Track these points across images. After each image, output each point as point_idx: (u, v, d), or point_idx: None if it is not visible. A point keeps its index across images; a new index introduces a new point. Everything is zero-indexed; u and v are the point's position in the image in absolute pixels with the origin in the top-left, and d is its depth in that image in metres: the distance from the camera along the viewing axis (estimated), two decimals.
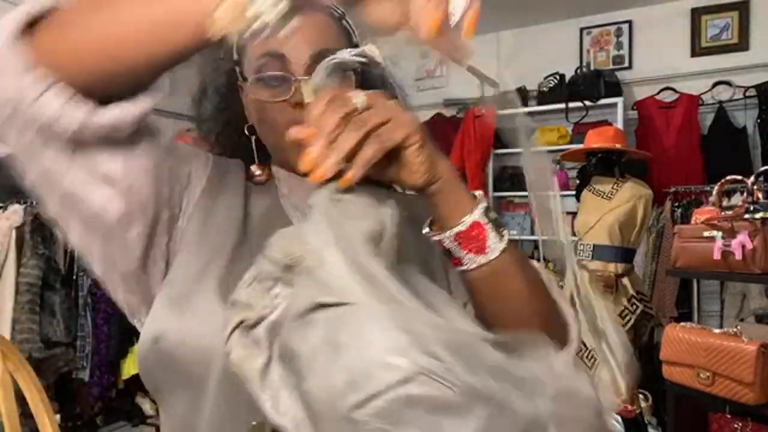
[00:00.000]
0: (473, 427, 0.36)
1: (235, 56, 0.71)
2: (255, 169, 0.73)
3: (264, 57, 0.66)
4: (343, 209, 0.47)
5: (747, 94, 3.37)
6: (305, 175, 0.65)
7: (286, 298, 0.45)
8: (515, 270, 0.57)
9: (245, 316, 0.45)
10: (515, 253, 0.57)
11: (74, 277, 3.10)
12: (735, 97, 3.42)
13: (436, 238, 0.56)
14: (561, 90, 3.75)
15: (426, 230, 0.57)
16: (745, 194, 2.08)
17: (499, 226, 0.56)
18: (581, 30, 3.95)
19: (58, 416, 2.88)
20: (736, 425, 1.91)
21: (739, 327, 1.83)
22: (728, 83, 3.46)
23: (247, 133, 0.72)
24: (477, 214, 0.54)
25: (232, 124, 0.74)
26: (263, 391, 0.43)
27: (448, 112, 4.32)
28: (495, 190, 3.99)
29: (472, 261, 0.55)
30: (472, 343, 0.41)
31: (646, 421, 2.76)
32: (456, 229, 0.54)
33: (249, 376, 0.44)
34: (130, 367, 3.24)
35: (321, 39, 0.67)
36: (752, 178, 2.01)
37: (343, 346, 0.39)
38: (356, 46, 0.73)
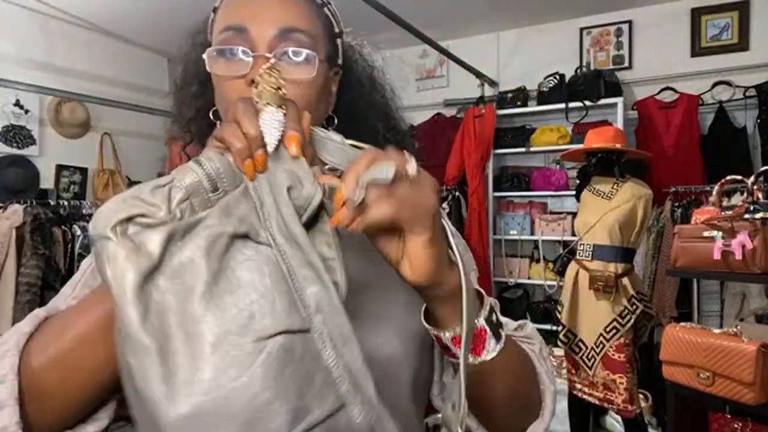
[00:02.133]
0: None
1: (209, 38, 0.69)
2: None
3: (227, 30, 0.63)
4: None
5: (747, 94, 3.37)
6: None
7: (194, 213, 0.43)
8: (506, 367, 0.56)
9: (138, 212, 0.41)
10: (510, 349, 0.57)
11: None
12: (735, 97, 3.42)
13: (433, 333, 0.54)
14: (561, 90, 3.75)
15: (423, 322, 0.54)
16: (745, 194, 2.08)
17: (499, 327, 0.55)
18: (581, 30, 3.95)
19: None
20: (736, 425, 1.91)
21: (739, 327, 1.83)
22: (728, 83, 3.46)
23: (212, 117, 0.69)
24: (480, 321, 0.53)
25: (204, 109, 0.71)
26: (135, 300, 0.39)
27: (448, 112, 4.32)
28: (495, 190, 3.99)
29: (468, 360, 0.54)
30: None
31: (646, 421, 2.76)
32: (452, 334, 0.53)
33: (121, 282, 0.39)
34: None
35: (287, 16, 0.63)
36: (752, 178, 2.01)
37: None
38: (339, 35, 0.70)
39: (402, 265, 0.49)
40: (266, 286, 0.42)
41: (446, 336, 0.53)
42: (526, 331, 0.68)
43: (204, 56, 0.64)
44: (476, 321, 0.53)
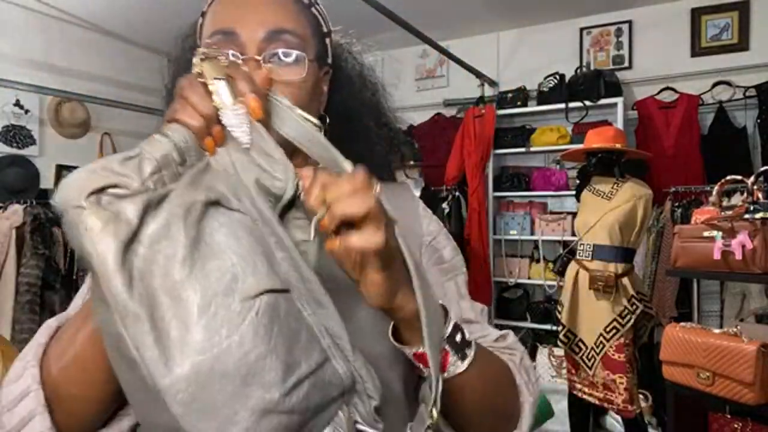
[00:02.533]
0: None
1: (198, 42, 0.69)
2: None
3: (216, 34, 0.63)
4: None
5: (747, 94, 3.37)
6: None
7: (164, 185, 0.44)
8: (476, 382, 0.56)
9: (110, 182, 0.42)
10: (482, 364, 0.57)
11: (74, 277, 3.10)
12: (735, 97, 3.42)
13: (399, 347, 0.55)
14: (561, 90, 3.75)
15: (390, 338, 0.55)
16: (745, 194, 2.08)
17: (464, 346, 0.55)
18: (581, 30, 3.95)
19: None
20: (736, 425, 1.91)
21: (739, 327, 1.83)
22: (728, 83, 3.46)
23: None
24: (442, 344, 0.53)
25: None
26: (119, 269, 0.38)
27: (448, 112, 4.32)
28: (495, 190, 3.99)
29: (427, 373, 0.54)
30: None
31: (646, 421, 2.76)
32: (416, 351, 0.53)
33: (102, 252, 0.39)
34: None
35: (275, 18, 0.63)
36: (752, 178, 2.01)
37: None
38: (327, 34, 0.70)
39: (361, 288, 0.49)
40: (245, 248, 0.43)
41: (408, 353, 0.54)
42: (508, 342, 0.68)
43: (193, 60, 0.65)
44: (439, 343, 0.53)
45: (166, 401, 0.38)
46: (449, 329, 0.54)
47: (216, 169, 0.47)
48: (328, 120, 0.70)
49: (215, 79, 0.48)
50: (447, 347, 0.54)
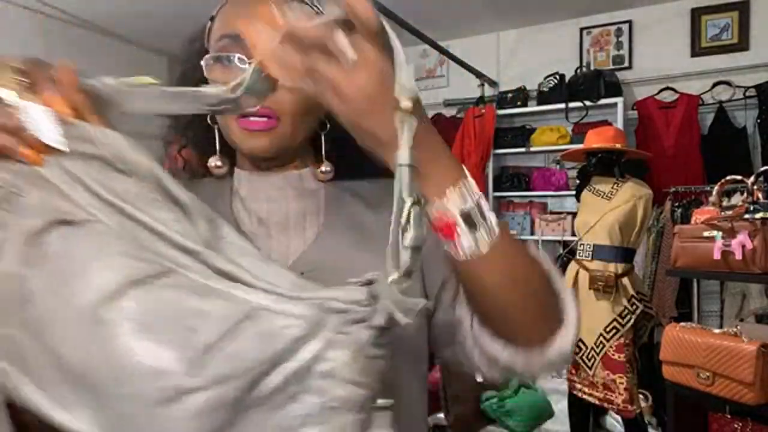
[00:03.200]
0: None
1: (206, 45, 0.70)
2: (213, 161, 0.70)
3: (223, 38, 0.65)
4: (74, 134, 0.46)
5: (747, 94, 3.37)
6: (265, 169, 0.67)
7: (13, 219, 0.42)
8: (500, 268, 0.52)
9: None
10: (505, 245, 0.51)
11: None
12: (735, 97, 3.42)
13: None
14: (561, 90, 3.75)
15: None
16: (745, 194, 2.08)
17: (479, 219, 0.49)
18: (581, 30, 3.95)
19: None
20: (736, 425, 1.91)
21: (739, 327, 1.83)
22: (728, 83, 3.46)
23: (209, 122, 0.70)
24: (451, 214, 0.49)
25: (201, 115, 0.72)
26: None
27: (448, 112, 4.32)
28: (495, 190, 3.99)
29: (448, 245, 0.50)
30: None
31: (646, 421, 2.76)
32: (432, 214, 0.49)
33: None
34: None
35: (280, 23, 0.65)
36: (752, 178, 2.01)
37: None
38: None
39: (333, 99, 0.45)
40: (100, 253, 0.41)
41: (430, 218, 0.49)
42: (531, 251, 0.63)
43: (202, 63, 0.66)
44: (438, 202, 0.48)
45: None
46: (467, 195, 0.49)
47: (51, 181, 0.43)
48: (328, 125, 0.70)
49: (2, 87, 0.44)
50: (452, 217, 0.48)
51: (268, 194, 0.70)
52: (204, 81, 0.69)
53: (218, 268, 0.44)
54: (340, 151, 0.72)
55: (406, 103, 0.44)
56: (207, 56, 0.65)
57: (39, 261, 0.40)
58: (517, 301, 0.54)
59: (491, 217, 0.50)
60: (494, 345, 0.58)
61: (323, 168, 0.70)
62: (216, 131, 0.70)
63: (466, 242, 0.49)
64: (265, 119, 0.63)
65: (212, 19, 0.70)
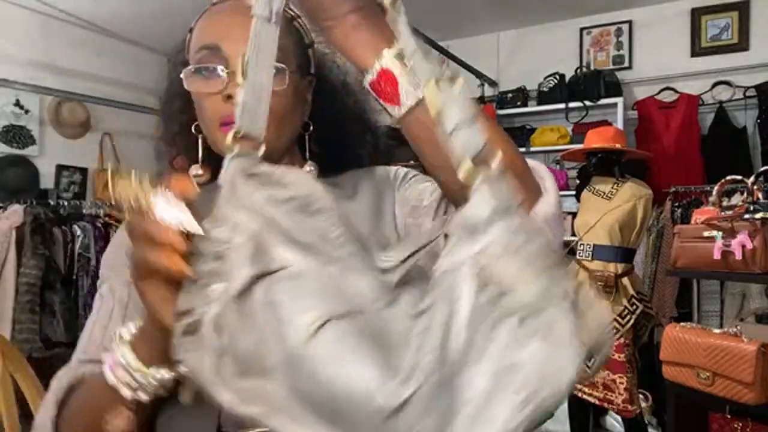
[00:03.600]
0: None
1: (186, 57, 0.71)
2: (194, 169, 0.71)
3: (202, 50, 0.66)
4: (261, 180, 0.45)
5: (747, 94, 3.37)
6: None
7: (221, 289, 0.42)
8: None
9: (186, 323, 0.41)
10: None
11: (74, 277, 3.10)
12: (735, 97, 3.42)
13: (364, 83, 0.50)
14: (561, 90, 3.75)
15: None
16: (745, 194, 2.08)
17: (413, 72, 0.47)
18: (581, 30, 3.95)
19: None
20: (736, 425, 1.91)
21: (739, 327, 1.83)
22: (728, 83, 3.46)
23: (194, 131, 0.71)
24: (386, 60, 0.48)
25: (188, 125, 0.73)
26: (224, 389, 0.39)
27: None
28: None
29: (392, 110, 0.50)
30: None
31: (646, 421, 2.76)
32: (368, 78, 0.49)
33: (206, 380, 0.39)
34: None
35: None
36: (752, 178, 2.01)
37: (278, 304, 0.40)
38: (310, 46, 0.73)
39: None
40: (301, 294, 0.43)
41: (364, 84, 0.49)
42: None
43: (182, 75, 0.67)
44: (376, 62, 0.47)
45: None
46: (396, 46, 0.47)
47: (248, 232, 0.43)
48: (311, 127, 0.73)
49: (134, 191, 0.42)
50: (393, 68, 0.47)
51: None
52: (188, 93, 0.71)
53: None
54: (324, 150, 0.74)
55: None
56: (186, 68, 0.66)
57: (250, 316, 0.40)
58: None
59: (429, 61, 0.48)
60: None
61: (306, 168, 0.72)
62: (200, 140, 0.71)
63: (406, 91, 0.48)
64: None
65: (191, 31, 0.71)
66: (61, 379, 0.59)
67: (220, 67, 0.64)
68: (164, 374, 0.47)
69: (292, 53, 0.70)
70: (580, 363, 0.37)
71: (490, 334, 0.37)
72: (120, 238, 0.73)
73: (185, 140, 0.75)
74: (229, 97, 0.64)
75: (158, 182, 0.42)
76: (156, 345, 0.46)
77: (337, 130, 0.76)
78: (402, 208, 0.71)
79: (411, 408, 0.36)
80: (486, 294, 0.38)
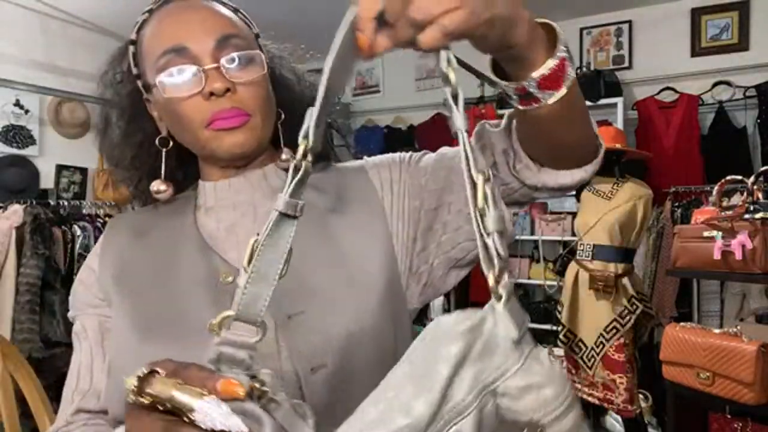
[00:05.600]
0: None
1: (134, 71, 0.70)
2: (156, 186, 0.69)
3: (166, 54, 0.64)
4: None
5: (747, 94, 3.37)
6: (242, 167, 0.69)
7: None
8: (578, 91, 0.57)
9: None
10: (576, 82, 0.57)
11: (74, 277, 3.09)
12: (735, 97, 3.42)
13: (514, 86, 0.54)
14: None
15: (496, 79, 0.56)
16: (745, 194, 2.08)
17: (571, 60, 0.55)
18: (581, 30, 3.95)
19: None
20: (736, 425, 1.91)
21: (739, 327, 1.83)
22: (728, 83, 3.46)
23: (158, 145, 0.69)
24: (561, 55, 0.52)
25: (146, 144, 0.71)
26: None
27: (449, 112, 4.31)
28: None
29: (549, 97, 0.54)
30: None
31: (646, 421, 2.76)
32: (538, 74, 0.52)
33: None
34: None
35: (220, 26, 0.65)
36: (752, 178, 2.01)
37: None
38: (257, 36, 0.72)
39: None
40: None
41: (532, 82, 0.53)
42: None
43: (150, 95, 0.67)
44: (551, 59, 0.52)
45: None
46: (562, 38, 0.53)
47: None
48: (283, 115, 0.72)
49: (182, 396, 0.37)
50: (565, 56, 0.53)
51: (234, 202, 0.70)
52: (136, 110, 0.70)
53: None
54: (292, 139, 0.73)
55: None
56: (158, 78, 0.64)
57: None
58: (584, 133, 0.64)
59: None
60: (535, 172, 0.65)
61: (283, 156, 0.70)
62: (163, 154, 0.69)
63: (569, 72, 0.53)
64: (236, 113, 0.63)
65: (134, 42, 0.70)
66: None
67: (195, 67, 0.63)
68: None
69: (254, 42, 0.69)
70: None
71: None
72: (86, 274, 0.71)
73: (145, 160, 0.73)
74: (212, 94, 0.63)
75: (203, 384, 0.37)
76: None
77: (299, 118, 0.75)
78: (411, 201, 0.69)
79: None
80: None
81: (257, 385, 0.39)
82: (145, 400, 0.37)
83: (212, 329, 0.41)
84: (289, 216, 0.43)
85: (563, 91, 0.53)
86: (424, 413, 0.34)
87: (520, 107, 0.56)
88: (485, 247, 0.39)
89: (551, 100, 0.53)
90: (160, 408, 0.37)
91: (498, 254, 0.38)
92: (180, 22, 0.65)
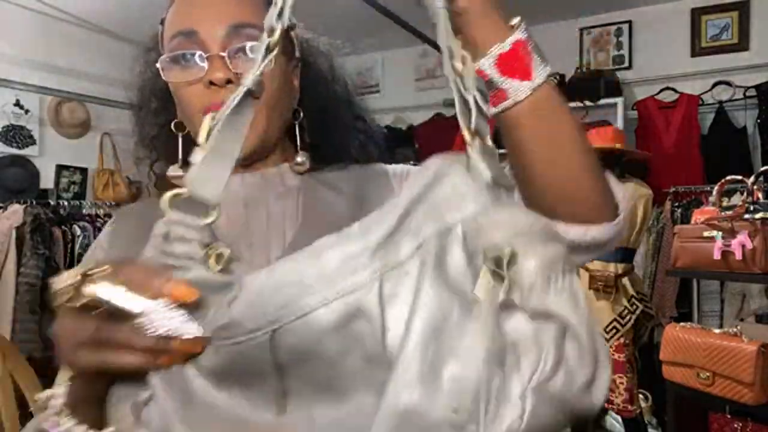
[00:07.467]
0: None
1: (161, 49, 0.67)
2: (173, 171, 0.66)
3: (176, 37, 0.62)
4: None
5: (747, 94, 3.36)
6: (247, 166, 0.65)
7: None
8: (562, 104, 0.52)
9: None
10: (557, 90, 0.52)
11: None
12: (735, 97, 3.42)
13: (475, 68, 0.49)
14: (561, 90, 3.74)
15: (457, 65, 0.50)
16: (745, 194, 2.08)
17: (540, 51, 0.50)
18: (581, 30, 3.95)
19: None
20: (736, 425, 1.91)
21: (739, 327, 1.83)
22: (728, 83, 3.46)
23: (173, 129, 0.67)
24: (519, 34, 0.49)
25: (167, 125, 0.69)
26: None
27: (448, 112, 4.31)
28: None
29: (518, 90, 0.49)
30: None
31: (646, 421, 2.76)
32: (497, 51, 0.48)
33: None
34: None
35: (235, 13, 0.62)
36: (752, 178, 2.01)
37: None
38: (291, 27, 0.68)
39: None
40: None
41: (489, 60, 0.48)
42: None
43: (158, 66, 0.64)
44: (510, 36, 0.48)
45: None
46: (523, 26, 0.50)
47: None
48: (302, 114, 0.69)
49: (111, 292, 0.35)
50: (525, 39, 0.49)
51: (246, 198, 0.67)
52: (164, 91, 0.67)
53: None
54: (314, 140, 0.70)
55: None
56: (162, 57, 0.62)
57: None
58: (577, 163, 0.55)
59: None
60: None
61: (298, 159, 0.67)
62: (180, 140, 0.66)
63: (538, 63, 0.49)
64: None
65: (162, 22, 0.67)
66: None
67: (198, 53, 0.60)
68: None
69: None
70: None
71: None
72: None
73: (164, 143, 0.72)
74: (212, 83, 0.60)
75: (148, 286, 0.36)
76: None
77: (326, 118, 0.71)
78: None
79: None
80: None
81: (218, 253, 0.38)
82: (77, 303, 0.35)
83: (162, 206, 0.39)
84: (254, 96, 0.41)
85: (536, 81, 0.49)
86: (378, 234, 0.36)
87: (492, 108, 0.51)
88: (463, 101, 0.40)
89: (521, 93, 0.48)
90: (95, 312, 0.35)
91: (479, 110, 0.40)
92: (195, 5, 0.63)
